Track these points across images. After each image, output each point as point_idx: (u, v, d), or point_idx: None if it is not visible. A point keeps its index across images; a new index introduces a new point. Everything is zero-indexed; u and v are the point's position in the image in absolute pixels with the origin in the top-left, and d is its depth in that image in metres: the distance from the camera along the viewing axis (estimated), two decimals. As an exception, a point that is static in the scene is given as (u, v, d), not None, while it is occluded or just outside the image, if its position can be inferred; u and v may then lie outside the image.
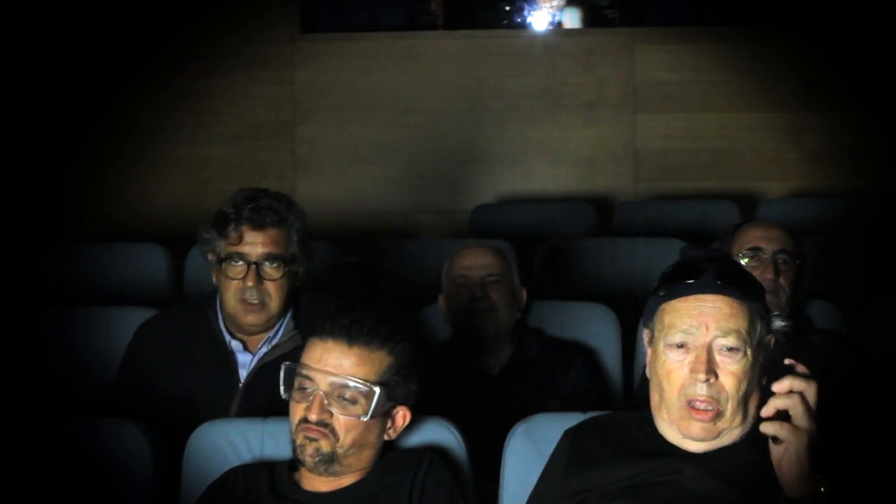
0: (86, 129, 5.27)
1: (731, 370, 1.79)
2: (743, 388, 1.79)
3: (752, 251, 2.79)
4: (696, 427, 1.80)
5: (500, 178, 5.30)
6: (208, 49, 5.29)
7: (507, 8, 6.26)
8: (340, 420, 1.93)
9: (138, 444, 2.13)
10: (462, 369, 2.90)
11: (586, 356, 2.99)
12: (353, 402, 1.93)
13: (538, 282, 3.78)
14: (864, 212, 4.54)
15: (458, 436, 2.17)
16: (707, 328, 1.79)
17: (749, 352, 1.79)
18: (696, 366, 1.78)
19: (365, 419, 1.93)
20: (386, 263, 4.01)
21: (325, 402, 1.93)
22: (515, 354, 2.91)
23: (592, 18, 6.14)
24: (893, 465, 1.93)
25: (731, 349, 1.79)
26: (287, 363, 1.99)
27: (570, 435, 1.96)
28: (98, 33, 5.22)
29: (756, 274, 2.72)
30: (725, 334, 1.78)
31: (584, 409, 2.21)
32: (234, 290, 2.48)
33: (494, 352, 2.91)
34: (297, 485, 1.99)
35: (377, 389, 1.94)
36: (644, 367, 2.75)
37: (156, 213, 5.29)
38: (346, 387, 1.93)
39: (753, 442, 1.81)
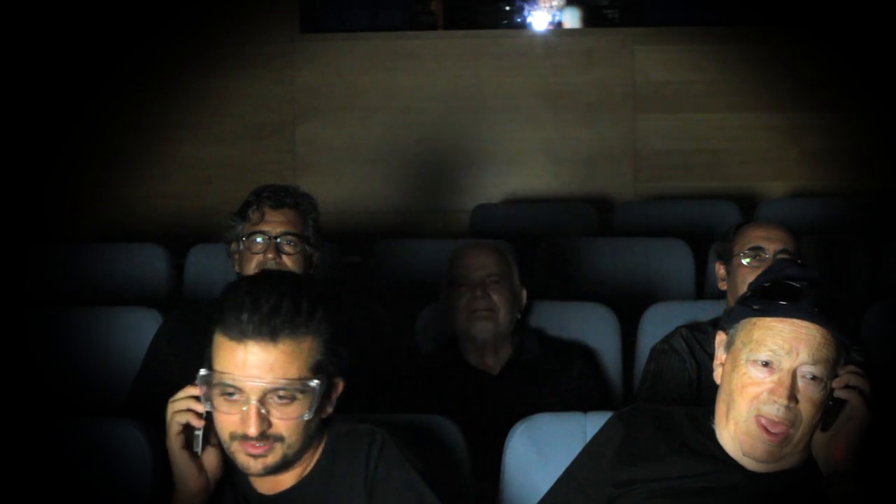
0: (85, 129, 5.27)
1: (811, 397, 1.79)
2: (818, 416, 1.80)
3: (754, 251, 2.80)
4: (762, 448, 1.80)
5: (500, 178, 5.29)
6: (208, 49, 5.29)
7: (507, 8, 6.27)
8: (282, 424, 1.73)
9: (138, 444, 2.13)
10: (462, 369, 2.90)
11: (586, 356, 3.00)
12: (292, 399, 1.72)
13: (538, 282, 3.78)
14: (864, 212, 4.54)
15: (459, 436, 2.17)
16: (797, 354, 1.78)
17: (827, 383, 1.80)
18: (777, 389, 1.78)
19: (309, 416, 1.74)
20: (386, 263, 4.02)
21: (262, 410, 1.71)
22: (515, 354, 2.91)
23: (592, 18, 6.15)
24: (893, 465, 1.93)
25: (814, 378, 1.79)
26: (202, 372, 1.75)
27: (623, 420, 1.93)
28: (98, 33, 5.22)
29: (757, 273, 2.74)
30: (814, 363, 1.78)
31: (584, 409, 2.22)
32: (256, 263, 2.65)
33: (494, 352, 2.91)
34: (249, 485, 1.84)
35: (315, 383, 1.73)
36: (646, 369, 2.79)
37: (156, 213, 5.29)
38: (282, 390, 1.71)
39: (807, 467, 1.83)
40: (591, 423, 2.17)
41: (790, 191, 5.14)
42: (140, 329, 2.98)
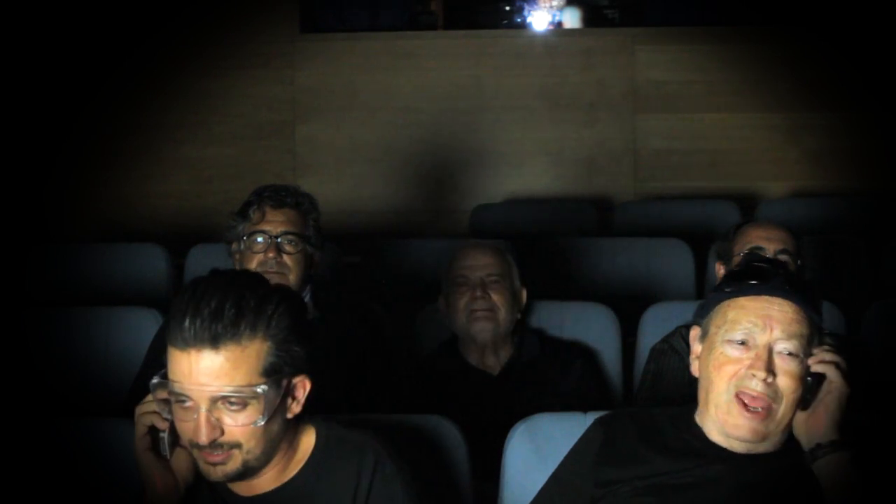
0: (85, 129, 5.27)
1: (788, 371, 1.80)
2: (798, 390, 1.81)
3: (755, 251, 2.80)
4: (746, 426, 1.81)
5: (500, 178, 5.29)
6: (208, 49, 5.29)
7: (507, 8, 6.27)
8: (236, 431, 1.67)
9: (138, 444, 2.13)
10: (462, 369, 2.90)
11: (586, 356, 3.00)
12: (243, 405, 1.67)
13: (538, 282, 3.78)
14: (864, 212, 4.54)
15: (459, 436, 2.17)
16: (772, 329, 1.81)
17: (803, 359, 1.82)
18: (755, 363, 1.80)
19: (262, 423, 1.68)
20: (386, 263, 4.02)
21: (212, 418, 1.66)
22: (516, 355, 2.91)
23: (592, 18, 6.15)
24: (893, 465, 1.93)
25: (790, 353, 1.81)
26: (155, 380, 1.72)
27: (603, 424, 1.94)
28: (98, 33, 5.22)
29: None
30: (789, 338, 1.81)
31: (584, 409, 2.21)
32: (256, 263, 2.66)
33: (494, 352, 2.91)
34: (227, 487, 1.80)
35: (263, 389, 1.67)
36: (646, 369, 2.79)
37: (156, 213, 5.29)
38: (229, 396, 1.66)
39: (790, 450, 1.84)
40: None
41: (790, 191, 5.14)
42: (140, 329, 2.98)
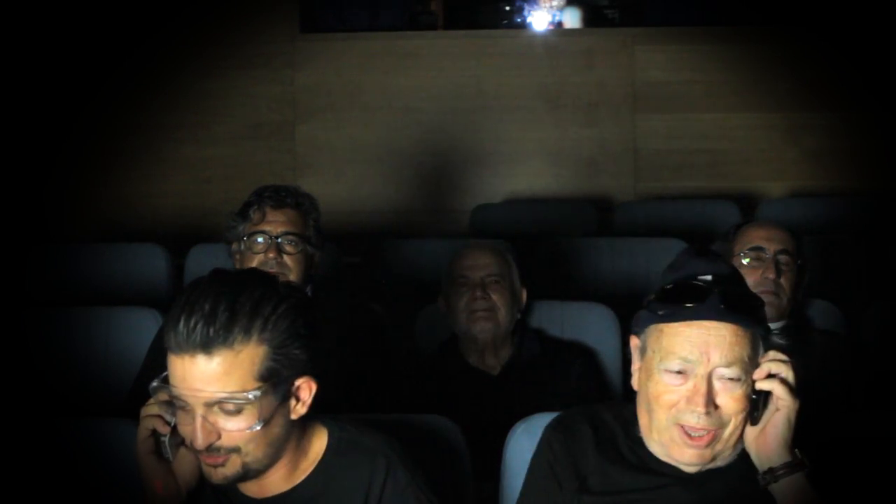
0: (85, 129, 5.27)
1: (731, 395, 1.72)
2: (743, 410, 1.73)
3: (754, 251, 2.80)
4: (689, 453, 1.74)
5: (500, 178, 5.29)
6: (208, 49, 5.29)
7: (507, 8, 6.27)
8: (234, 436, 1.66)
9: (138, 444, 2.13)
10: (462, 369, 2.90)
11: (586, 356, 3.00)
12: (239, 411, 1.65)
13: (538, 282, 3.78)
14: (864, 212, 4.54)
15: (459, 436, 2.17)
16: (709, 358, 1.71)
17: (746, 380, 1.73)
18: (694, 397, 1.71)
19: (259, 428, 1.66)
20: (386, 263, 4.02)
21: (207, 422, 1.65)
22: (516, 354, 2.91)
23: (592, 18, 6.15)
24: (892, 465, 1.93)
25: (731, 379, 1.72)
26: (154, 383, 1.71)
27: (559, 431, 1.87)
28: (98, 33, 5.22)
29: (757, 274, 2.75)
30: (728, 364, 1.71)
31: (584, 409, 2.21)
32: (257, 263, 2.67)
33: (494, 352, 2.91)
34: (235, 488, 1.78)
35: (256, 395, 1.64)
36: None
37: (156, 213, 5.29)
38: (224, 402, 1.64)
39: (743, 462, 1.77)
40: (591, 423, 2.17)
41: (790, 191, 5.14)
42: (140, 329, 2.98)
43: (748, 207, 4.70)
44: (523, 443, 2.16)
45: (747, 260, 2.80)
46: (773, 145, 5.21)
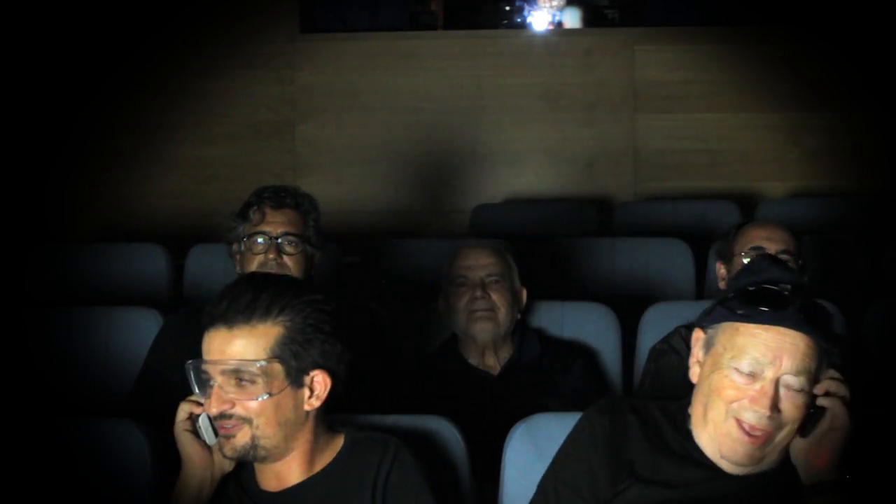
0: (85, 129, 5.27)
1: (793, 403, 1.76)
2: (799, 420, 1.78)
3: (755, 251, 2.80)
4: (742, 450, 1.78)
5: (500, 178, 5.29)
6: (208, 49, 5.29)
7: (507, 8, 6.27)
8: (245, 406, 1.83)
9: (138, 444, 2.13)
10: (462, 369, 2.90)
11: (586, 356, 3.00)
12: (252, 382, 1.83)
13: (538, 282, 3.78)
14: (864, 212, 4.54)
15: (459, 436, 2.17)
16: (780, 364, 1.75)
17: (809, 392, 1.78)
18: (760, 398, 1.75)
19: (265, 398, 1.83)
20: (386, 263, 4.02)
21: (223, 391, 1.83)
22: (516, 354, 2.91)
23: (592, 18, 6.15)
24: (893, 465, 1.93)
25: (796, 388, 1.76)
26: (190, 361, 1.89)
27: (605, 413, 1.90)
28: (98, 33, 5.22)
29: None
30: (797, 374, 1.76)
31: (584, 410, 2.21)
32: (257, 264, 2.66)
33: (494, 352, 2.91)
34: (255, 482, 1.94)
35: (267, 364, 1.82)
36: (645, 369, 2.79)
37: (156, 213, 5.29)
38: (238, 370, 1.83)
39: (784, 470, 1.81)
40: (591, 423, 2.17)
41: (790, 191, 5.14)
42: (140, 329, 2.98)
43: (748, 207, 4.70)
44: (523, 443, 2.17)
45: (748, 260, 2.80)
46: (774, 145, 5.21)
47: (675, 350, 2.73)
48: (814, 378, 1.78)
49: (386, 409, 2.71)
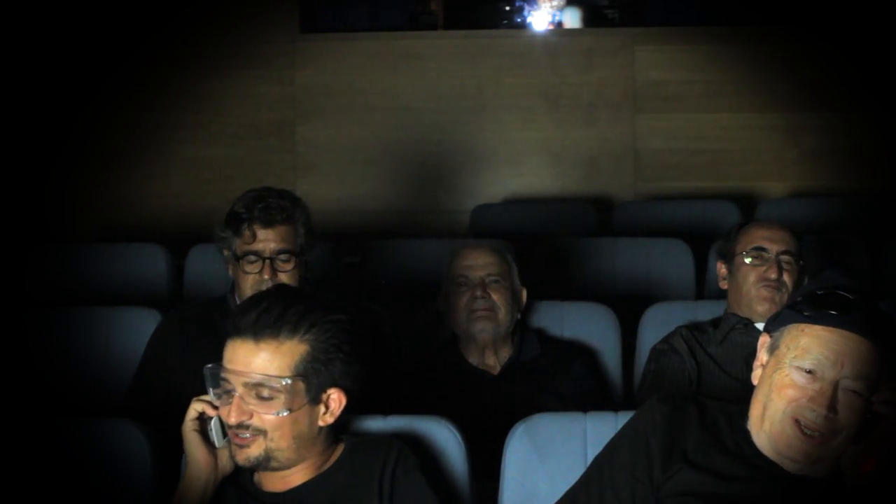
0: (85, 129, 5.27)
1: (850, 408, 1.78)
2: (856, 426, 1.79)
3: (756, 251, 2.81)
4: (798, 447, 1.80)
5: (500, 178, 5.29)
6: (208, 49, 5.29)
7: (507, 8, 6.26)
8: (263, 419, 1.86)
9: (138, 444, 2.14)
10: (462, 369, 2.90)
11: (586, 356, 3.00)
12: (271, 398, 1.86)
13: (538, 282, 3.78)
14: (864, 212, 4.54)
15: (458, 436, 2.17)
16: (842, 366, 1.78)
17: (868, 398, 1.80)
18: (818, 398, 1.78)
19: (285, 414, 1.86)
20: (386, 263, 4.01)
21: (244, 402, 1.85)
22: (516, 354, 2.91)
23: (592, 18, 6.13)
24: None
25: (855, 392, 1.79)
26: (209, 365, 1.91)
27: (666, 404, 1.91)
28: (98, 33, 5.22)
29: (759, 272, 2.75)
30: (857, 378, 1.78)
31: (584, 409, 2.21)
32: (252, 283, 2.64)
33: (494, 352, 2.91)
34: (256, 484, 1.97)
35: (291, 382, 1.85)
36: (646, 369, 2.79)
37: (156, 213, 5.29)
38: (261, 385, 1.85)
39: (837, 477, 1.82)
40: (591, 423, 2.17)
41: (790, 191, 5.14)
42: (140, 329, 2.98)
43: (748, 207, 4.70)
44: (523, 443, 2.17)
45: (749, 259, 2.80)
46: (773, 145, 5.21)
47: (675, 350, 2.74)
48: (873, 385, 1.79)
49: (386, 409, 2.71)
